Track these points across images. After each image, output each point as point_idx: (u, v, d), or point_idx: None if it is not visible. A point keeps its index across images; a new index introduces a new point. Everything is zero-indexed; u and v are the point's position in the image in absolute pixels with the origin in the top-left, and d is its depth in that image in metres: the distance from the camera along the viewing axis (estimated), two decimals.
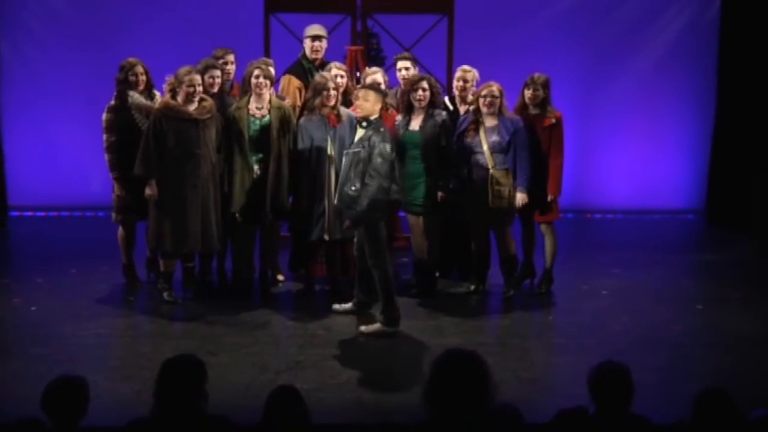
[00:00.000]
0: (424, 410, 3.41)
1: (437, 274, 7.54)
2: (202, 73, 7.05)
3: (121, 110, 7.24)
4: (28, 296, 7.28)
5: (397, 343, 6.38)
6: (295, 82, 7.70)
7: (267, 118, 7.06)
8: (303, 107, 7.48)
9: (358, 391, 5.47)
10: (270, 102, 7.09)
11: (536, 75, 7.29)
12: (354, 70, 8.43)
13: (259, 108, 7.07)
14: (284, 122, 7.08)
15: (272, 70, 7.23)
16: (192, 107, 6.89)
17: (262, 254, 7.44)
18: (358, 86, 7.03)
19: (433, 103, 7.21)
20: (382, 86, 7.37)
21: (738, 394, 3.83)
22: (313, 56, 7.82)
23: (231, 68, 7.53)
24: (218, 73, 7.19)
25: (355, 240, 6.74)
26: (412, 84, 7.19)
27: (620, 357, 4.03)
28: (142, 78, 7.32)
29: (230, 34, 8.89)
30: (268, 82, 7.05)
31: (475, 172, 7.17)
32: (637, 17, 10.76)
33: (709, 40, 10.59)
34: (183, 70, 6.88)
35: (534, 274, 7.65)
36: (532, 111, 7.31)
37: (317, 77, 7.24)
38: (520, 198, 7.10)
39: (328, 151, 6.98)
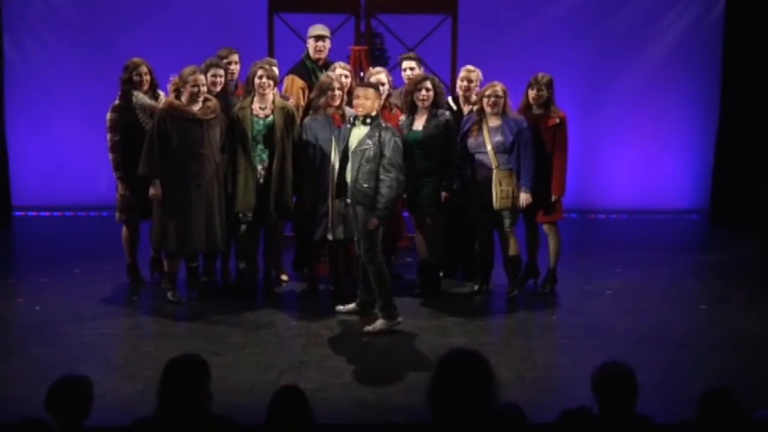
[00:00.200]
0: (428, 410, 3.41)
1: (441, 274, 7.54)
2: (205, 72, 7.05)
3: (126, 110, 7.25)
4: (32, 296, 7.29)
5: (401, 342, 6.38)
6: (299, 82, 7.70)
7: (270, 118, 7.07)
8: (307, 107, 7.50)
9: (361, 390, 5.47)
10: (273, 102, 7.09)
11: (540, 75, 7.28)
12: (358, 70, 8.43)
13: (262, 108, 7.07)
14: (288, 122, 7.08)
15: (276, 70, 7.24)
16: (196, 107, 6.90)
17: (266, 254, 7.44)
18: (357, 85, 7.03)
19: (437, 103, 7.21)
20: (386, 86, 7.39)
21: (742, 394, 3.82)
22: (317, 56, 7.82)
23: (235, 68, 7.54)
24: (221, 72, 7.19)
25: (356, 239, 6.75)
26: (416, 84, 7.19)
27: (624, 357, 4.02)
28: (146, 78, 7.32)
29: (234, 34, 8.91)
30: (271, 83, 7.05)
31: (478, 172, 7.17)
32: (641, 17, 10.76)
33: (713, 40, 10.58)
34: (187, 70, 6.89)
35: (538, 274, 7.65)
36: (536, 111, 7.31)
37: (323, 77, 7.25)
38: (524, 198, 7.10)
39: (332, 151, 6.98)
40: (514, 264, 7.30)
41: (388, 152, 6.47)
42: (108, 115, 7.29)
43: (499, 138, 7.08)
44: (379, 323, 6.55)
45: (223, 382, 5.27)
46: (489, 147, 7.08)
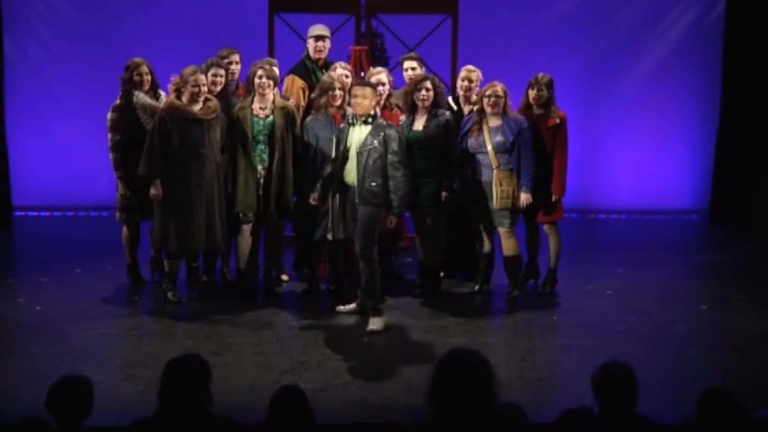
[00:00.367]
0: (429, 410, 3.41)
1: (441, 274, 7.54)
2: (205, 71, 7.06)
3: (126, 110, 7.25)
4: (33, 296, 7.29)
5: (401, 342, 6.38)
6: (299, 82, 7.70)
7: (271, 118, 7.07)
8: (307, 107, 7.50)
9: (362, 391, 5.47)
10: (274, 102, 7.09)
11: (540, 75, 7.28)
12: (358, 70, 8.43)
13: (262, 108, 7.07)
14: (288, 122, 7.08)
15: (276, 70, 7.23)
16: (197, 107, 6.90)
17: (266, 254, 7.44)
18: (354, 84, 7.03)
19: (437, 103, 7.21)
20: (387, 86, 7.39)
21: (743, 395, 3.82)
22: (317, 56, 7.82)
23: (236, 68, 7.54)
24: (222, 72, 7.20)
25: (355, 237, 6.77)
26: (416, 84, 7.19)
27: (624, 357, 4.03)
28: (147, 78, 7.32)
29: (234, 34, 8.92)
30: (271, 83, 7.05)
31: (479, 172, 7.17)
32: (642, 17, 10.76)
33: (714, 40, 10.58)
34: (188, 70, 6.89)
35: (538, 275, 7.65)
36: (536, 111, 7.31)
37: (325, 77, 7.26)
38: (524, 198, 7.10)
39: (333, 152, 6.98)
40: (515, 264, 7.30)
41: (395, 149, 6.55)
42: (109, 115, 7.29)
43: (499, 138, 7.08)
44: (377, 321, 6.56)
45: (224, 382, 5.28)
46: (489, 147, 7.08)
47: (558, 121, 7.27)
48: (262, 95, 7.06)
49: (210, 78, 7.10)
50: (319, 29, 7.86)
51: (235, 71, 7.54)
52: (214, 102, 6.99)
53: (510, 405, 3.64)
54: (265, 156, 7.09)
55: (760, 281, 8.09)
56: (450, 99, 7.69)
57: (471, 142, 7.17)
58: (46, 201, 10.62)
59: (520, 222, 7.35)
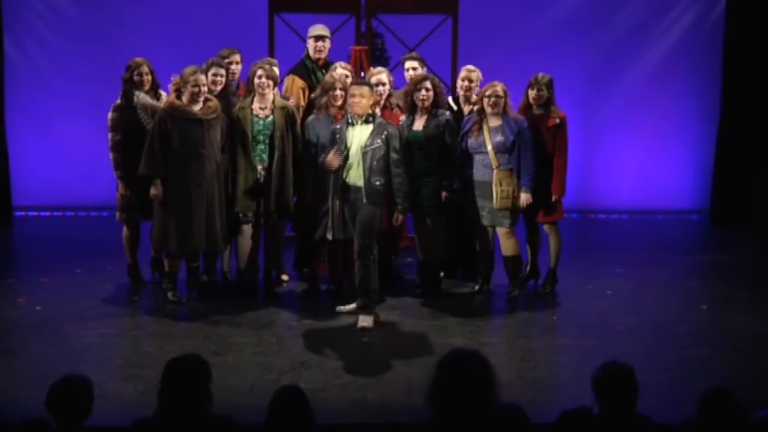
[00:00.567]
0: (429, 410, 3.41)
1: (441, 274, 7.54)
2: (206, 71, 7.06)
3: (127, 109, 7.25)
4: (33, 296, 7.29)
5: (401, 342, 6.38)
6: (299, 83, 7.70)
7: (270, 118, 7.07)
8: (307, 107, 7.50)
9: (362, 391, 5.47)
10: (274, 102, 7.09)
11: (540, 75, 7.28)
12: (358, 70, 8.43)
13: (262, 108, 7.07)
14: (288, 122, 7.09)
15: (276, 70, 7.23)
16: (197, 107, 6.90)
17: (267, 254, 7.44)
18: (351, 84, 7.03)
19: (437, 103, 7.21)
20: (387, 86, 7.40)
21: (743, 395, 3.82)
22: (317, 56, 7.82)
23: (236, 68, 7.53)
24: (222, 72, 7.20)
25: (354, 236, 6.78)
26: (415, 84, 7.19)
27: (624, 357, 4.04)
28: (148, 78, 7.32)
29: (235, 34, 8.93)
30: (271, 83, 7.05)
31: (479, 172, 7.17)
32: (642, 17, 10.77)
33: (714, 40, 10.58)
34: (188, 70, 6.90)
35: (538, 275, 7.65)
36: (536, 111, 7.31)
37: (326, 77, 7.26)
38: (524, 198, 7.10)
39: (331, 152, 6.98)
40: (515, 264, 7.29)
41: (396, 147, 6.63)
42: (109, 115, 7.29)
43: (499, 138, 7.08)
44: (367, 319, 6.58)
45: (224, 382, 5.28)
46: (489, 147, 7.08)
47: (558, 121, 7.27)
48: (262, 95, 7.06)
49: (210, 78, 7.11)
50: (318, 29, 7.87)
51: (236, 71, 7.54)
52: (214, 102, 6.99)
53: (510, 405, 3.65)
54: (265, 156, 7.09)
55: (760, 281, 8.09)
56: (450, 99, 7.68)
57: (471, 142, 7.17)
58: (46, 201, 10.62)
59: (520, 222, 7.35)
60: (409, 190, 6.77)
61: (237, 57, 7.52)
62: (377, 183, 6.60)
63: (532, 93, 7.28)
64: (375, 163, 6.59)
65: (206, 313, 6.88)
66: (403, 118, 7.31)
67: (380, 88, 7.26)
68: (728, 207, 10.39)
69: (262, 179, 7.09)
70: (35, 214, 10.60)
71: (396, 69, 8.67)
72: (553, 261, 7.50)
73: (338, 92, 7.04)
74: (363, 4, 9.37)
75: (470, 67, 7.57)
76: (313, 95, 7.41)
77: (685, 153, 11.00)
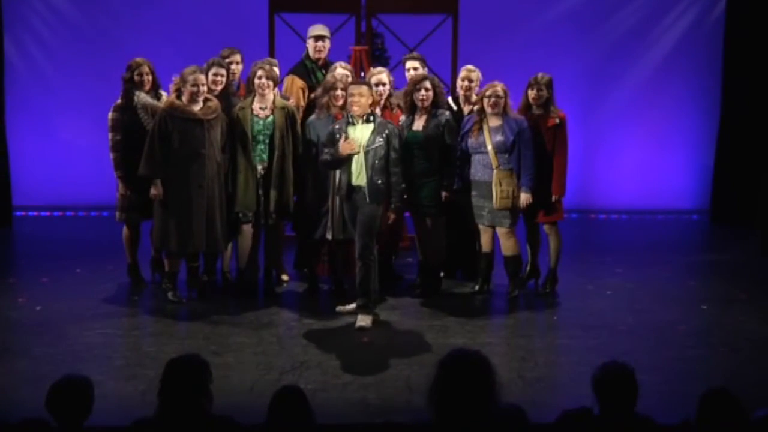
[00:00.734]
0: (429, 410, 3.40)
1: (442, 275, 7.54)
2: (206, 71, 7.06)
3: (127, 109, 7.25)
4: (33, 296, 7.29)
5: (402, 342, 6.37)
6: (299, 83, 7.70)
7: (270, 118, 7.07)
8: (307, 107, 7.51)
9: (362, 391, 5.47)
10: (274, 102, 7.10)
11: (539, 75, 7.28)
12: (358, 70, 8.43)
13: (262, 108, 7.08)
14: (288, 122, 7.09)
15: (276, 70, 7.24)
16: (197, 107, 6.90)
17: (267, 254, 7.44)
18: (349, 83, 7.03)
19: (437, 103, 7.21)
20: (387, 86, 7.39)
21: (743, 395, 3.82)
22: (316, 56, 7.82)
23: (237, 68, 7.53)
24: (223, 71, 7.20)
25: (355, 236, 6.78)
26: (415, 84, 7.19)
27: (624, 357, 4.02)
28: (148, 78, 7.32)
29: (235, 34, 8.92)
30: (271, 83, 7.05)
31: (479, 172, 7.17)
32: (642, 17, 10.77)
33: (714, 40, 10.59)
34: (188, 69, 6.90)
35: (538, 275, 7.65)
36: (536, 111, 7.31)
37: (328, 76, 7.26)
38: (524, 198, 7.09)
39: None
40: (515, 264, 7.29)
41: (396, 146, 6.66)
42: (110, 115, 7.29)
43: (499, 138, 7.08)
44: (365, 318, 6.59)
45: (224, 382, 5.29)
46: (489, 147, 7.08)
47: (558, 121, 7.27)
48: (262, 95, 7.06)
49: (211, 78, 7.11)
50: (318, 29, 7.87)
51: (236, 71, 7.54)
52: (214, 102, 6.99)
53: (511, 405, 3.65)
54: (265, 156, 7.10)
55: (760, 281, 8.08)
56: (450, 99, 7.68)
57: (471, 142, 7.17)
58: (46, 201, 10.62)
59: (520, 222, 7.34)
60: (403, 190, 6.77)
61: (237, 57, 7.52)
62: (379, 182, 6.60)
63: (531, 93, 7.28)
64: (377, 162, 6.59)
65: (206, 313, 6.88)
66: (403, 118, 7.30)
67: (380, 88, 7.26)
68: (728, 207, 10.39)
69: (261, 179, 7.09)
70: (35, 214, 10.60)
71: (396, 69, 8.67)
72: (553, 261, 7.50)
73: (339, 92, 7.03)
74: (363, 4, 9.37)
75: (470, 67, 7.57)
76: (313, 95, 7.41)
77: (685, 153, 11.00)
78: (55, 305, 7.02)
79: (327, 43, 7.87)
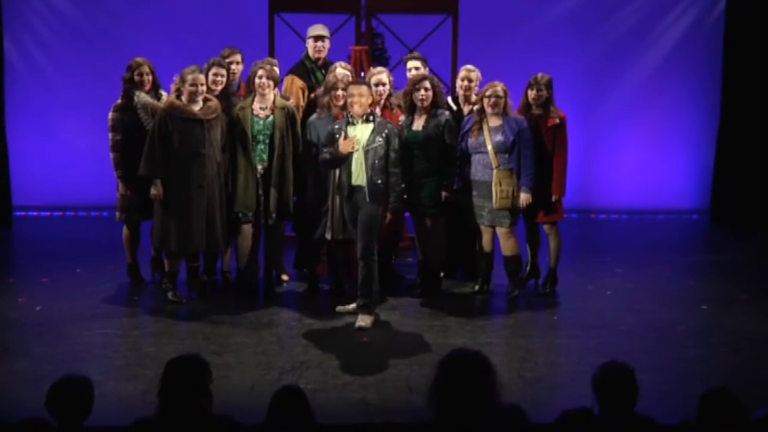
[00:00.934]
0: (429, 410, 3.40)
1: (442, 275, 7.54)
2: (207, 71, 7.06)
3: (127, 109, 7.26)
4: (33, 296, 7.29)
5: (402, 342, 6.37)
6: (298, 83, 7.70)
7: (271, 118, 7.07)
8: (307, 107, 7.51)
9: (362, 391, 5.47)
10: (274, 102, 7.10)
11: (539, 75, 7.28)
12: (358, 70, 8.43)
13: (262, 108, 7.08)
14: (288, 122, 7.09)
15: (276, 70, 7.24)
16: (197, 107, 6.90)
17: (267, 254, 7.43)
18: (349, 83, 7.03)
19: (436, 103, 7.21)
20: (387, 86, 7.39)
21: (743, 395, 3.81)
22: (316, 56, 7.82)
23: (237, 68, 7.53)
24: (223, 71, 7.20)
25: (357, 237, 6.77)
26: (414, 84, 7.19)
27: (624, 357, 4.02)
28: (148, 78, 7.32)
29: (235, 34, 8.93)
30: (271, 83, 7.05)
31: (479, 172, 7.17)
32: (642, 17, 10.77)
33: (714, 40, 10.59)
34: (187, 69, 6.91)
35: (538, 275, 7.64)
36: (536, 111, 7.31)
37: (329, 76, 7.26)
38: (524, 198, 7.09)
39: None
40: (515, 264, 7.29)
41: (395, 146, 6.66)
42: (110, 115, 7.29)
43: (499, 138, 7.08)
44: (366, 318, 6.59)
45: (224, 382, 5.29)
46: (489, 147, 7.08)
47: (558, 121, 7.27)
48: (263, 95, 7.06)
49: (211, 77, 7.11)
50: (318, 29, 7.87)
51: (237, 71, 7.54)
52: (214, 102, 6.99)
53: (511, 405, 3.65)
54: (265, 156, 7.10)
55: (760, 281, 8.08)
56: (450, 99, 7.68)
57: (471, 141, 7.17)
58: (46, 201, 10.62)
59: (520, 222, 7.34)
60: (402, 190, 6.77)
61: (238, 57, 7.52)
62: (379, 182, 6.61)
63: (531, 93, 7.27)
64: (377, 162, 6.60)
65: (206, 313, 6.88)
66: (402, 118, 7.30)
67: (380, 88, 7.26)
68: (728, 207, 10.39)
69: (261, 179, 7.09)
70: (35, 214, 10.60)
71: (396, 69, 8.67)
72: (553, 261, 7.50)
73: (340, 92, 7.03)
74: (363, 4, 9.37)
75: (469, 66, 7.57)
76: (314, 94, 7.41)
77: (685, 153, 11.00)
78: (55, 305, 7.02)
79: (327, 43, 7.87)
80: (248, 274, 7.32)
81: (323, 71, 7.68)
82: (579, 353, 6.14)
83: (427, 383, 3.44)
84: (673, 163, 11.01)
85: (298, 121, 7.22)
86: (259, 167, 7.10)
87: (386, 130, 6.65)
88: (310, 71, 7.80)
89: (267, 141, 7.07)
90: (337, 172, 6.82)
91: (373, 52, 9.42)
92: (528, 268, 7.61)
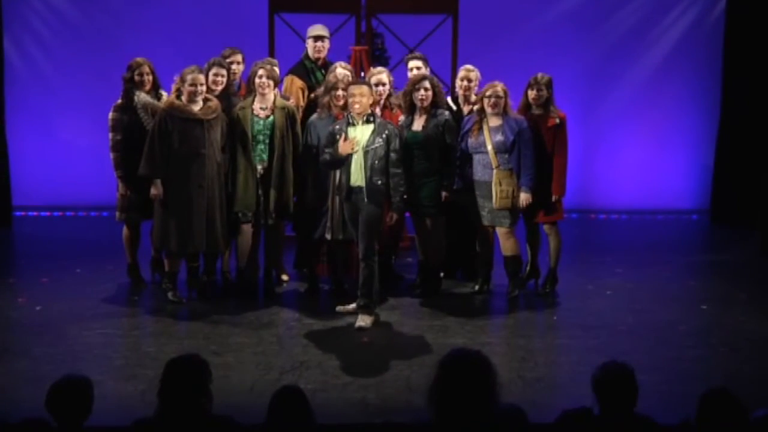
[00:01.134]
0: (429, 410, 3.40)
1: (442, 275, 7.54)
2: (207, 71, 7.06)
3: (127, 109, 7.26)
4: (33, 296, 7.29)
5: (402, 342, 6.37)
6: (298, 83, 7.70)
7: (271, 118, 7.07)
8: (307, 107, 7.51)
9: (362, 391, 5.47)
10: (274, 102, 7.10)
11: (539, 75, 7.28)
12: (358, 70, 8.43)
13: (262, 108, 7.08)
14: (288, 122, 7.09)
15: (277, 70, 7.23)
16: (197, 107, 6.90)
17: (267, 254, 7.43)
18: (349, 83, 7.03)
19: (436, 103, 7.21)
20: (387, 86, 7.39)
21: (743, 394, 3.81)
22: (316, 56, 7.82)
23: (238, 68, 7.53)
24: (223, 71, 7.19)
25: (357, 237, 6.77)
26: (414, 84, 7.19)
27: (625, 357, 4.02)
28: (148, 78, 7.32)
29: (235, 34, 8.92)
30: (271, 83, 7.05)
31: (479, 172, 7.17)
32: (642, 17, 10.78)
33: (714, 40, 10.59)
34: (187, 69, 6.91)
35: (538, 275, 7.64)
36: (536, 111, 7.31)
37: (329, 76, 7.26)
38: (524, 198, 7.09)
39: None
40: (515, 264, 7.29)
41: (396, 147, 6.65)
42: (110, 115, 7.29)
43: (499, 138, 7.08)
44: (366, 319, 6.59)
45: (224, 382, 5.29)
46: (489, 147, 7.08)
47: (558, 121, 7.27)
48: (263, 95, 7.06)
49: (211, 78, 7.11)
50: (318, 29, 7.87)
51: (237, 71, 7.54)
52: (214, 102, 6.99)
53: (510, 405, 3.65)
54: (265, 156, 7.10)
55: (761, 281, 8.09)
56: (449, 99, 7.68)
57: (471, 141, 7.17)
58: (46, 201, 10.62)
59: (520, 222, 7.34)
60: (405, 190, 6.76)
61: (239, 57, 7.52)
62: (379, 182, 6.60)
63: (531, 93, 7.27)
64: (377, 162, 6.59)
65: (206, 313, 6.88)
66: (402, 118, 7.30)
67: (380, 88, 7.26)
68: (728, 207, 10.39)
69: (261, 179, 7.09)
70: (35, 214, 10.60)
71: (396, 69, 8.67)
72: (553, 261, 7.50)
73: (340, 92, 7.03)
74: (363, 4, 9.37)
75: (469, 66, 7.57)
76: (314, 94, 7.42)
77: (685, 153, 11.00)
78: (55, 305, 7.02)
79: (326, 43, 7.87)
80: (248, 274, 7.32)
81: (323, 71, 7.68)
82: (579, 353, 6.15)
83: (427, 383, 3.44)
84: (673, 163, 11.01)
85: (298, 121, 7.22)
86: (259, 167, 7.10)
87: (387, 131, 6.65)
88: (310, 71, 7.80)
89: (267, 141, 7.07)
90: (338, 172, 6.82)
91: (373, 52, 9.42)
92: (528, 268, 7.61)
